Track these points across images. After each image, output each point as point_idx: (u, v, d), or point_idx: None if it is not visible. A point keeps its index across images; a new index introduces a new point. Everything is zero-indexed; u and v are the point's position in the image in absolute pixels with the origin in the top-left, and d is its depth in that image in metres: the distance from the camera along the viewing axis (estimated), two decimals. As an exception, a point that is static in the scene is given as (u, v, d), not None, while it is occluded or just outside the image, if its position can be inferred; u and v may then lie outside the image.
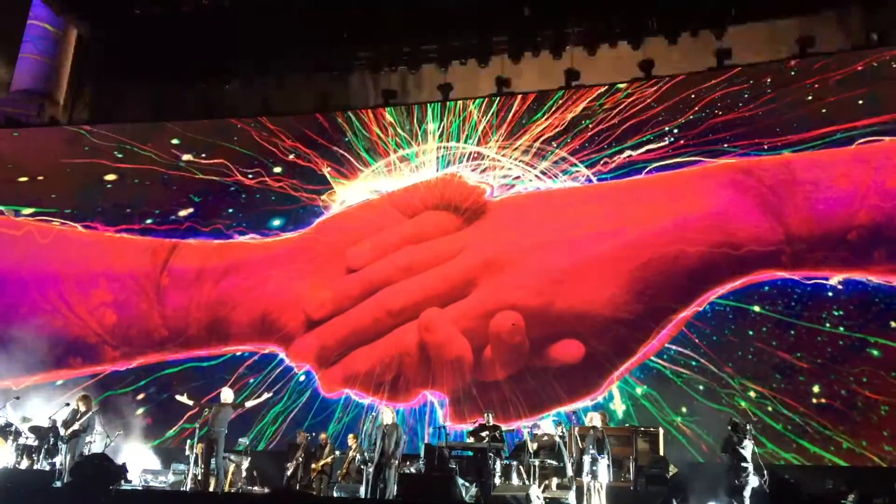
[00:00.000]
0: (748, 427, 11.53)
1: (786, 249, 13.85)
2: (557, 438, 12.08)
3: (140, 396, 16.56)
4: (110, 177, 18.63)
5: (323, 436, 14.39)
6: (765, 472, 10.94)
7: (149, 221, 17.96)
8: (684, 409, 13.73)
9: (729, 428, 11.31)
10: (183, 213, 17.92)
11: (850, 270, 13.38)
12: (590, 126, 16.08)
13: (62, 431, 12.38)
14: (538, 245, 15.46)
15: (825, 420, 12.97)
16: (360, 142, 17.54)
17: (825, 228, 13.73)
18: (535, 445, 12.03)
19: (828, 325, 13.37)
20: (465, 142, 16.88)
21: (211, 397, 13.96)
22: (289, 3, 18.15)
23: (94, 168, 18.73)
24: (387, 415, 12.13)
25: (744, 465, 11.27)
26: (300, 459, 13.74)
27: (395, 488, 11.41)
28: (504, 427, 13.06)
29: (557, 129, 16.28)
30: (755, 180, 14.47)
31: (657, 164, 15.29)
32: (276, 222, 17.35)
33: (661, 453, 12.27)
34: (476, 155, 16.69)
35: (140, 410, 16.37)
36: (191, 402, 12.97)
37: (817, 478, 12.24)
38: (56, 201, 18.45)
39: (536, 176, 16.10)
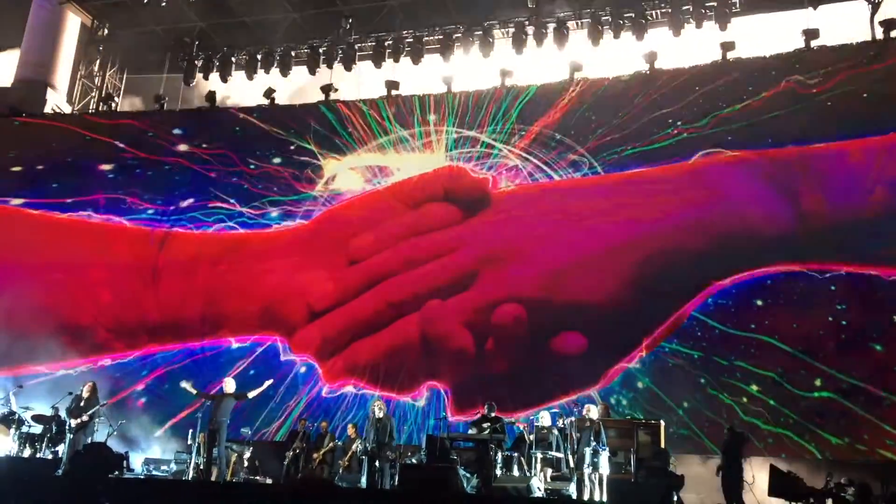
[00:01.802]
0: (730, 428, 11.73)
1: (791, 242, 13.83)
2: (556, 431, 12.08)
3: (140, 387, 16.58)
4: (111, 166, 18.63)
5: (323, 424, 14.43)
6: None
7: (150, 211, 17.96)
8: (686, 404, 13.71)
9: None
10: (184, 203, 17.91)
11: (855, 264, 13.35)
12: (593, 118, 16.04)
13: (71, 422, 12.40)
14: (541, 237, 15.42)
15: (827, 414, 12.95)
16: (362, 132, 17.52)
17: (833, 221, 13.71)
18: (532, 437, 12.06)
19: (830, 318, 13.34)
20: (468, 133, 16.84)
21: (213, 387, 13.95)
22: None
23: (94, 157, 18.75)
24: (377, 407, 12.24)
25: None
26: (298, 448, 13.79)
27: (390, 478, 11.51)
28: (505, 419, 13.08)
29: (560, 121, 16.24)
30: (761, 173, 14.47)
31: (660, 157, 15.26)
32: (278, 212, 17.34)
33: (663, 446, 12.27)
34: (479, 146, 16.65)
35: (142, 400, 16.41)
36: (194, 392, 13.02)
37: (817, 471, 12.24)
38: (56, 191, 18.44)
39: (539, 167, 16.07)
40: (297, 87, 19.19)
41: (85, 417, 12.38)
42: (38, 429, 13.47)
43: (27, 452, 13.13)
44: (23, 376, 16.07)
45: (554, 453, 11.87)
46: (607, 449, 11.46)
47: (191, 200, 17.90)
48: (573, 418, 12.36)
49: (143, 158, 18.54)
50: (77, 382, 14.28)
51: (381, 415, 12.14)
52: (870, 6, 15.49)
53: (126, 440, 14.87)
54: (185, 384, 12.94)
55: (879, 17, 15.20)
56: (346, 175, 17.42)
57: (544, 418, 12.47)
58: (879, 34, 14.97)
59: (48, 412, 13.57)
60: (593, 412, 12.03)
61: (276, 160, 17.84)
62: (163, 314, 17.05)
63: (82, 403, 12.63)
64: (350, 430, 13.87)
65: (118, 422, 13.92)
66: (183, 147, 18.56)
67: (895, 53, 14.45)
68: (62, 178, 18.59)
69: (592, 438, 11.42)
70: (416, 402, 15.06)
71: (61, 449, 12.70)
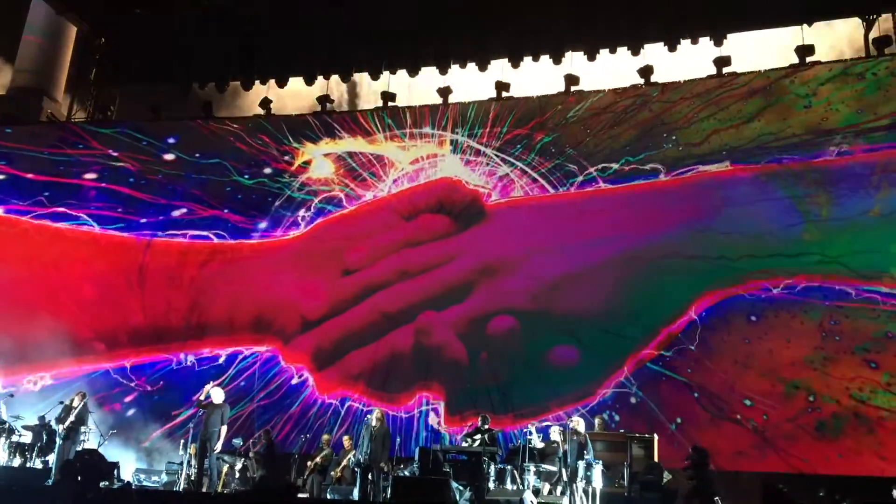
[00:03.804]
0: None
1: (786, 256, 13.84)
2: (566, 446, 11.99)
3: (129, 398, 16.48)
4: (104, 175, 18.57)
5: (325, 437, 14.38)
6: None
7: (142, 220, 17.90)
8: (679, 419, 13.68)
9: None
10: (176, 213, 17.87)
11: (848, 279, 13.38)
12: (589, 131, 16.09)
13: (59, 428, 12.36)
14: (536, 249, 15.45)
15: (820, 429, 12.95)
16: (361, 145, 17.55)
17: (829, 236, 13.75)
18: (541, 448, 12.05)
19: (823, 334, 13.35)
20: (463, 146, 16.87)
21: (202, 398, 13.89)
22: (289, 5, 18.17)
23: (87, 166, 18.69)
24: (374, 417, 12.16)
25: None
26: (254, 457, 13.76)
27: (384, 490, 11.44)
28: (498, 430, 13.04)
29: (557, 134, 16.29)
30: (756, 187, 14.50)
31: (656, 170, 15.29)
32: (268, 222, 17.32)
33: (656, 460, 12.25)
34: (475, 158, 16.68)
35: (131, 411, 16.31)
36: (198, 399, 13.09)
37: (811, 487, 12.22)
38: (48, 199, 18.35)
39: (535, 180, 16.09)
40: (294, 98, 19.12)
41: (72, 417, 12.35)
42: (28, 438, 13.39)
43: (17, 462, 13.04)
44: (11, 386, 16.01)
45: (546, 466, 11.82)
46: (601, 462, 11.43)
47: (183, 210, 17.87)
48: (564, 431, 12.32)
49: (136, 168, 18.50)
50: (65, 391, 14.22)
51: (376, 424, 12.06)
52: (864, 23, 15.59)
53: (116, 451, 14.77)
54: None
55: (873, 34, 15.30)
56: (338, 164, 17.49)
57: (555, 432, 12.42)
58: (873, 51, 15.07)
59: (38, 421, 13.51)
60: (581, 425, 11.98)
61: (268, 170, 17.84)
62: (151, 322, 17.00)
63: (71, 412, 12.57)
64: (346, 442, 13.83)
65: (108, 431, 13.85)
66: (177, 157, 18.53)
67: (889, 69, 14.52)
68: (53, 186, 18.52)
69: (584, 451, 11.38)
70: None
71: (51, 458, 12.63)
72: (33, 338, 16.45)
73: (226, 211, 17.64)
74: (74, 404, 12.70)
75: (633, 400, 14.12)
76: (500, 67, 17.55)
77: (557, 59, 17.12)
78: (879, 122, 14.11)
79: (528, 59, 17.37)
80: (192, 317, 16.95)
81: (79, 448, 12.38)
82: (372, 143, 17.50)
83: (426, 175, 16.93)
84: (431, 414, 14.99)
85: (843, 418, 12.85)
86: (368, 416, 12.57)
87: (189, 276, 17.28)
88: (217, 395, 12.79)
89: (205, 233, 17.54)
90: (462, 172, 16.66)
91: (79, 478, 10.28)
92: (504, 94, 17.19)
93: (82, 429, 12.79)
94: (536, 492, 11.49)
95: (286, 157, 17.87)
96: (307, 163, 17.70)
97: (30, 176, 18.72)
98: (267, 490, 11.68)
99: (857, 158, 14.01)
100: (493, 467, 11.57)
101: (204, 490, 12.05)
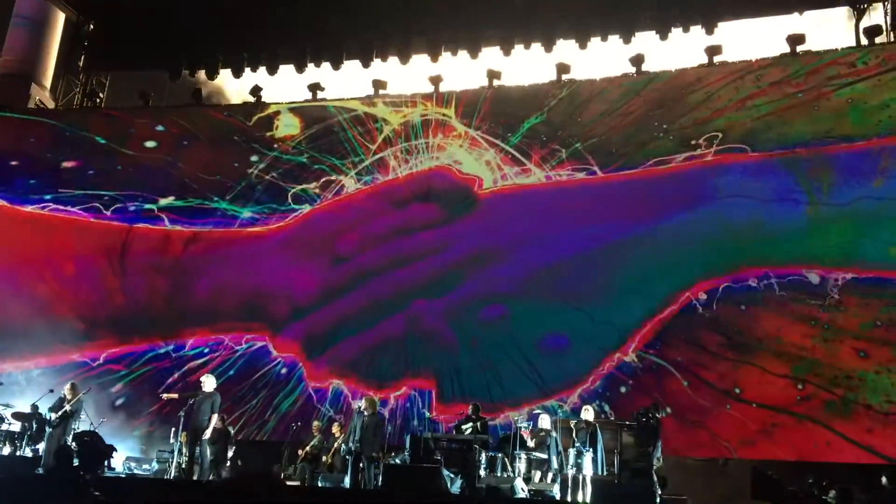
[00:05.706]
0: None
1: (776, 245, 13.87)
2: (554, 434, 12.01)
3: (116, 388, 16.40)
4: (91, 162, 18.45)
5: (315, 424, 14.38)
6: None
7: (131, 208, 17.79)
8: (669, 409, 13.71)
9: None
10: (164, 200, 17.76)
11: (846, 269, 13.42)
12: (581, 119, 16.09)
13: (51, 416, 12.35)
14: (527, 238, 15.43)
15: (808, 416, 12.99)
16: (351, 132, 17.48)
17: (819, 225, 13.79)
18: (532, 441, 12.07)
19: (813, 322, 13.41)
20: (455, 134, 16.85)
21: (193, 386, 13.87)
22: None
23: (75, 153, 18.57)
24: (366, 405, 12.15)
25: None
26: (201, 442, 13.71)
27: (375, 478, 11.46)
28: (489, 419, 13.06)
29: (548, 123, 16.27)
30: (747, 176, 14.51)
31: (648, 158, 15.29)
32: (256, 211, 17.25)
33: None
34: (467, 146, 16.64)
35: (120, 401, 16.25)
36: (176, 396, 13.08)
37: (799, 473, 12.30)
38: (34, 187, 18.21)
39: (526, 169, 16.08)
40: (285, 85, 19.01)
41: (67, 407, 12.35)
42: (17, 426, 13.35)
43: (6, 450, 13.00)
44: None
45: (537, 454, 11.85)
46: (591, 450, 11.45)
47: (171, 198, 17.77)
48: (563, 420, 12.33)
49: (124, 154, 18.39)
50: (49, 380, 14.20)
51: (367, 412, 12.06)
52: (855, 13, 15.62)
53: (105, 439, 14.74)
54: (165, 395, 13.03)
55: (864, 23, 15.32)
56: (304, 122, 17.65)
57: (544, 421, 12.44)
58: (864, 40, 15.10)
59: (27, 410, 13.47)
60: (590, 413, 12.01)
61: (254, 157, 17.76)
62: (135, 309, 16.94)
63: (65, 403, 12.56)
64: (335, 429, 13.83)
65: (98, 420, 13.81)
66: (165, 144, 18.41)
67: (879, 59, 14.55)
68: (40, 174, 18.38)
69: (586, 440, 11.39)
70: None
71: (41, 447, 12.60)
72: (16, 325, 16.35)
73: (215, 198, 17.55)
74: (68, 395, 12.65)
75: (623, 389, 14.16)
76: (491, 56, 17.54)
77: (549, 48, 17.11)
78: (871, 110, 14.16)
79: (519, 48, 17.37)
80: (177, 304, 16.90)
81: (69, 437, 12.34)
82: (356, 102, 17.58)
83: (416, 158, 16.89)
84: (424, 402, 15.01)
85: (833, 406, 12.90)
86: (360, 404, 12.55)
87: (175, 263, 17.21)
88: (208, 383, 12.74)
89: (192, 220, 17.45)
90: (453, 160, 16.63)
91: (75, 461, 10.22)
92: (496, 82, 17.14)
93: (72, 419, 12.74)
94: (527, 479, 11.53)
95: (276, 146, 17.80)
96: (272, 117, 17.79)
97: (15, 163, 18.58)
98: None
99: (852, 147, 14.03)
100: (483, 455, 11.58)
101: (195, 478, 12.03)
